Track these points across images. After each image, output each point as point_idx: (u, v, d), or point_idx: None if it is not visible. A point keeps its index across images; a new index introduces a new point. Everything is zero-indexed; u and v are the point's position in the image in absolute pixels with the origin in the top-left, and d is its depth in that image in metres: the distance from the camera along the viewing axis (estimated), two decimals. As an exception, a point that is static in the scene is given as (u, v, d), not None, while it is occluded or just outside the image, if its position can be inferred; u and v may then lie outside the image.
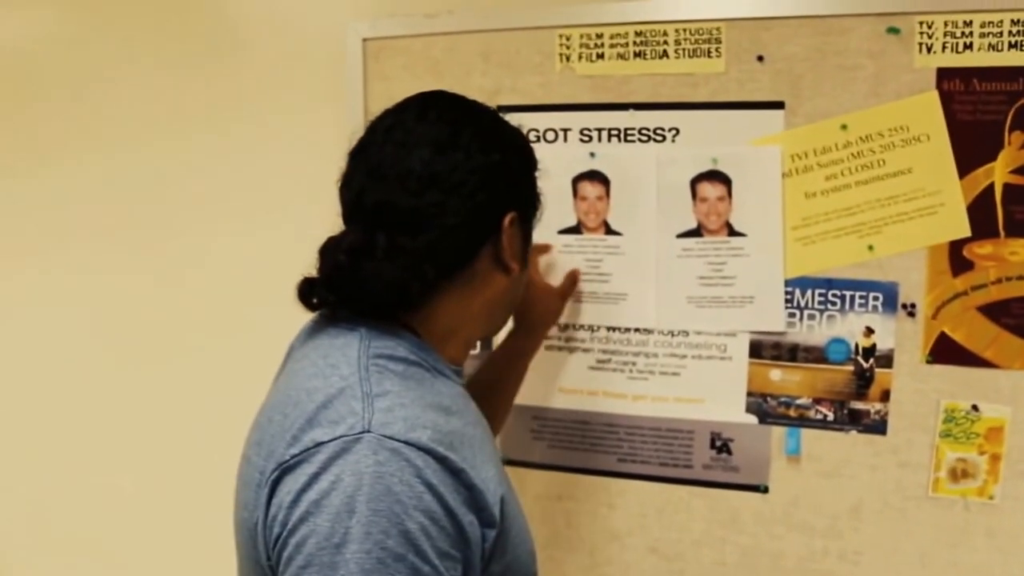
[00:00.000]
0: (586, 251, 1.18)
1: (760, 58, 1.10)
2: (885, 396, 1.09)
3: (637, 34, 1.14)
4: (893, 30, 1.05)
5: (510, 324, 1.06)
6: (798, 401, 1.13)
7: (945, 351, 1.07)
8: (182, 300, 1.49)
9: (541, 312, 1.13)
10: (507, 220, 0.83)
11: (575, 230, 1.19)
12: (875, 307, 1.09)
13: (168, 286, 1.49)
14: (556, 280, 1.17)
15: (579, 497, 1.23)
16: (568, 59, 1.17)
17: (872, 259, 1.08)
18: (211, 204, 1.45)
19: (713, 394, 1.15)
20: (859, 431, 1.11)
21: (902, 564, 1.10)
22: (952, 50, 1.04)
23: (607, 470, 1.20)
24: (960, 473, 1.07)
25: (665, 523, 1.19)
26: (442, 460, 0.71)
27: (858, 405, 1.10)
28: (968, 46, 1.03)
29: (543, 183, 0.90)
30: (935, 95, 1.05)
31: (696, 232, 1.14)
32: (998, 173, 1.04)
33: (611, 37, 1.15)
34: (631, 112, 1.15)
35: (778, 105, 1.10)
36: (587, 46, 1.16)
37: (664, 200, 1.15)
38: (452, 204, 0.78)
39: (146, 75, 1.46)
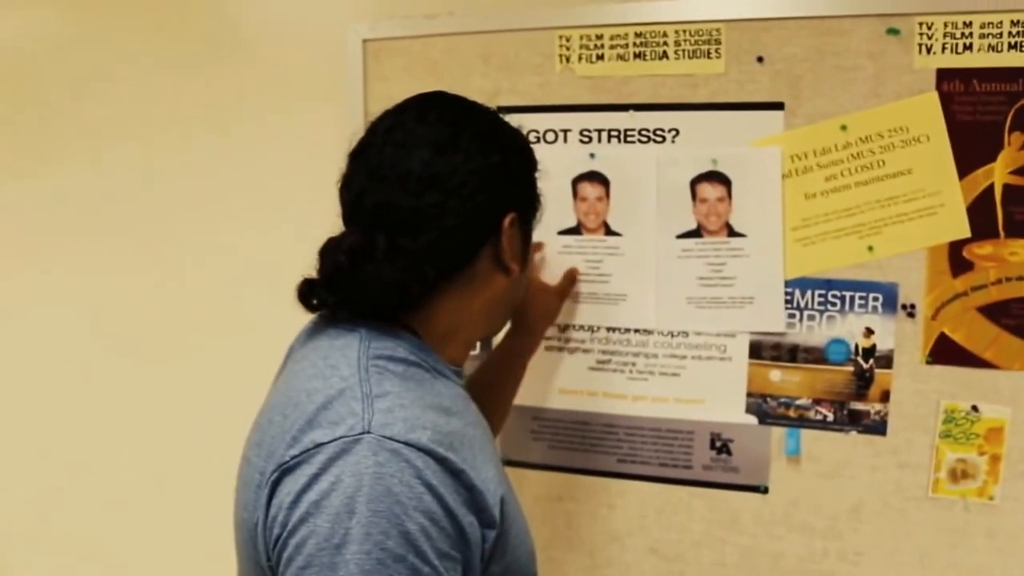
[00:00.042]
0: (586, 252, 1.18)
1: (760, 59, 1.10)
2: (885, 397, 1.09)
3: (637, 35, 1.14)
4: (893, 31, 1.05)
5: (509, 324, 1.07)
6: (798, 402, 1.13)
7: (945, 352, 1.07)
8: (182, 300, 1.49)
9: (539, 311, 1.13)
10: (507, 221, 0.83)
11: (575, 231, 1.19)
12: (875, 308, 1.09)
13: (168, 286, 1.50)
14: (550, 278, 1.17)
15: (579, 498, 1.23)
16: (568, 60, 1.17)
17: (872, 260, 1.09)
18: (211, 204, 1.45)
19: (713, 395, 1.15)
20: (859, 432, 1.11)
21: (902, 565, 1.10)
22: (952, 51, 1.04)
23: (607, 471, 1.20)
24: (960, 474, 1.07)
25: (665, 524, 1.19)
26: (442, 461, 0.71)
27: (858, 406, 1.11)
28: (968, 47, 1.03)
29: (543, 184, 0.90)
30: (935, 96, 1.05)
31: (696, 233, 1.14)
32: (998, 174, 1.04)
33: (611, 38, 1.15)
34: (631, 113, 1.15)
35: (778, 106, 1.10)
36: (587, 47, 1.16)
37: (664, 201, 1.15)
38: (452, 205, 0.78)
39: (146, 75, 1.46)
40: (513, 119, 0.89)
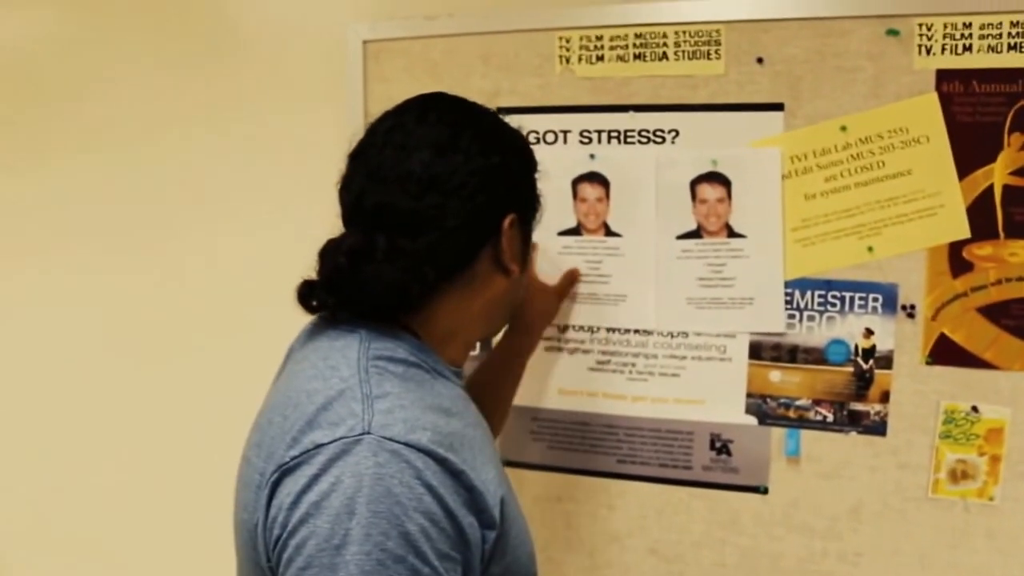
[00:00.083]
0: (586, 253, 1.18)
1: (760, 60, 1.10)
2: (885, 397, 1.09)
3: (637, 36, 1.14)
4: (892, 32, 1.05)
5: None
6: (798, 402, 1.13)
7: (945, 352, 1.07)
8: (182, 300, 1.49)
9: (537, 311, 1.13)
10: (507, 222, 0.83)
11: (575, 232, 1.19)
12: (875, 308, 1.09)
13: (168, 286, 1.50)
14: (548, 278, 1.17)
15: (579, 498, 1.23)
16: (568, 61, 1.17)
17: (872, 260, 1.09)
18: (211, 204, 1.45)
19: (713, 395, 1.15)
20: (859, 432, 1.11)
21: (902, 565, 1.10)
22: (951, 52, 1.04)
23: (607, 471, 1.20)
24: (960, 474, 1.08)
25: (665, 524, 1.19)
26: (442, 462, 0.71)
27: (858, 406, 1.11)
28: (967, 48, 1.03)
29: (543, 185, 0.90)
30: (934, 97, 1.05)
31: (696, 233, 1.14)
32: (997, 174, 1.04)
33: (611, 39, 1.15)
34: (631, 114, 1.15)
35: (777, 107, 1.10)
36: (587, 48, 1.16)
37: (664, 202, 1.15)
38: (452, 206, 0.78)
39: (146, 75, 1.46)
40: (513, 120, 0.89)
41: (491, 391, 1.09)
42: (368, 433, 0.70)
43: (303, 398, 0.75)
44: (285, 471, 0.71)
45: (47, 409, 1.59)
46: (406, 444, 0.69)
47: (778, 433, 1.14)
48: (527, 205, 0.88)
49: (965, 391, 1.07)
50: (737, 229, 1.13)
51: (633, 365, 1.18)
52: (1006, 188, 1.04)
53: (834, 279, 1.10)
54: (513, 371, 1.14)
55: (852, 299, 1.10)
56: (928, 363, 1.08)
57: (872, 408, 1.10)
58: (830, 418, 1.12)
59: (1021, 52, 1.02)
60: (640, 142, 1.15)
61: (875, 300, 1.09)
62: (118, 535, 1.56)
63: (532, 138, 1.16)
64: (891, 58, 1.05)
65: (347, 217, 0.82)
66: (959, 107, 1.04)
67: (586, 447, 1.21)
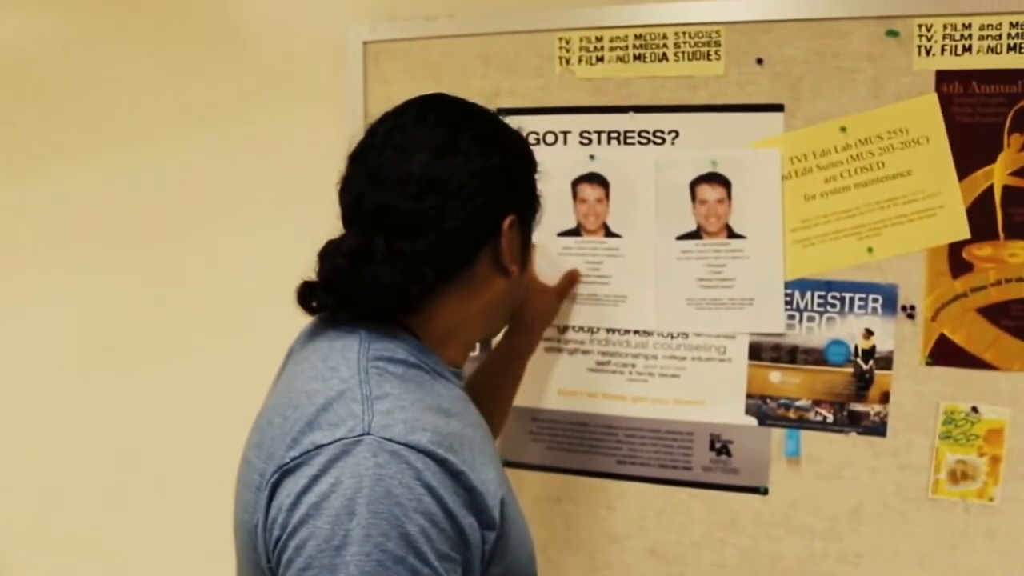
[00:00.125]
0: (586, 253, 1.18)
1: (759, 61, 1.10)
2: (885, 398, 1.09)
3: (636, 37, 1.14)
4: (892, 33, 1.05)
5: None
6: (798, 403, 1.13)
7: (945, 353, 1.07)
8: (182, 300, 1.49)
9: (537, 311, 1.13)
10: (506, 223, 0.83)
11: (575, 232, 1.19)
12: (874, 309, 1.09)
13: (168, 286, 1.50)
14: (548, 279, 1.17)
15: (578, 499, 1.23)
16: (568, 62, 1.17)
17: (871, 261, 1.09)
18: (211, 205, 1.45)
19: (713, 396, 1.15)
20: (859, 433, 1.11)
21: (902, 566, 1.10)
22: (951, 53, 1.04)
23: (606, 472, 1.20)
24: (960, 475, 1.08)
25: (664, 525, 1.19)
26: (442, 462, 0.71)
27: (858, 407, 1.11)
28: (967, 49, 1.03)
29: (543, 185, 0.90)
30: (934, 98, 1.05)
31: (695, 234, 1.14)
32: (997, 175, 1.04)
33: (611, 40, 1.15)
34: (631, 115, 1.15)
35: (777, 108, 1.10)
36: (587, 49, 1.16)
37: (663, 202, 1.15)
38: (451, 208, 0.79)
39: (146, 75, 1.46)
40: (513, 121, 0.89)
41: (491, 392, 1.09)
42: (368, 434, 0.70)
43: (303, 399, 0.75)
44: (285, 472, 0.71)
45: (47, 409, 1.59)
46: (406, 445, 0.70)
47: (778, 434, 1.14)
48: (527, 206, 0.88)
49: (965, 392, 1.07)
50: (737, 230, 1.13)
51: (633, 366, 1.18)
52: (1006, 189, 1.04)
53: (834, 280, 1.10)
54: (513, 372, 1.14)
55: (852, 300, 1.10)
56: (928, 364, 1.08)
57: (872, 409, 1.10)
58: (830, 419, 1.12)
59: (1021, 53, 1.02)
60: (640, 143, 1.15)
61: (875, 301, 1.09)
62: (118, 535, 1.56)
63: (532, 139, 1.16)
64: (891, 59, 1.06)
65: (347, 218, 0.82)
66: (959, 108, 1.04)
67: (586, 448, 1.21)
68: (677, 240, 1.15)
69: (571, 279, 1.18)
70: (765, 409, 1.14)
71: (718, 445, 1.16)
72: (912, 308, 1.08)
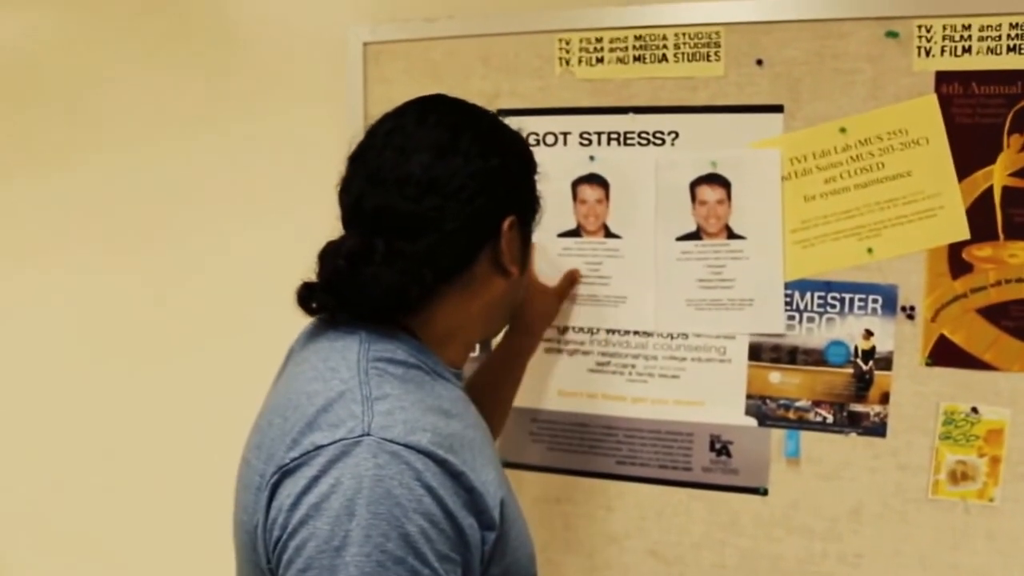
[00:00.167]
0: (585, 254, 1.18)
1: (759, 62, 1.10)
2: (885, 398, 1.10)
3: (636, 38, 1.14)
4: (892, 34, 1.05)
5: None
6: (797, 403, 1.13)
7: (944, 353, 1.07)
8: (182, 301, 1.49)
9: (537, 312, 1.13)
10: (506, 224, 0.83)
11: (575, 233, 1.19)
12: (874, 309, 1.09)
13: (168, 286, 1.50)
14: (548, 279, 1.17)
15: (578, 500, 1.23)
16: (567, 63, 1.17)
17: (871, 262, 1.09)
18: (211, 205, 1.45)
19: (712, 396, 1.15)
20: (859, 433, 1.11)
21: (902, 566, 1.10)
22: (951, 54, 1.04)
23: (606, 472, 1.21)
24: (960, 475, 1.08)
25: (664, 526, 1.19)
26: (442, 463, 0.71)
27: (858, 407, 1.11)
28: (967, 50, 1.03)
29: (542, 186, 0.90)
30: (934, 98, 1.05)
31: (695, 235, 1.14)
32: (997, 176, 1.04)
33: (610, 41, 1.15)
34: (631, 116, 1.16)
35: (777, 108, 1.10)
36: (586, 50, 1.16)
37: (663, 203, 1.15)
38: (451, 209, 0.79)
39: (146, 76, 1.46)
40: (513, 122, 0.89)
41: (491, 392, 1.09)
42: (368, 435, 0.70)
43: (303, 400, 0.75)
44: (285, 473, 0.71)
45: (47, 409, 1.59)
46: (406, 446, 0.70)
47: (778, 434, 1.14)
48: (527, 207, 0.88)
49: (965, 392, 1.07)
50: (737, 230, 1.13)
51: (633, 366, 1.18)
52: (1005, 189, 1.04)
53: (834, 280, 1.10)
54: (513, 372, 1.14)
55: (852, 300, 1.10)
56: (928, 364, 1.08)
57: (872, 409, 1.10)
58: (830, 419, 1.12)
59: (1020, 54, 1.02)
60: (640, 144, 1.15)
61: (875, 301, 1.09)
62: (118, 535, 1.57)
63: (532, 140, 1.16)
64: (890, 60, 1.06)
65: (346, 219, 0.83)
66: (958, 109, 1.04)
67: (585, 448, 1.21)
68: (677, 241, 1.15)
69: (571, 280, 1.18)
70: (765, 410, 1.14)
71: (718, 446, 1.16)
72: (912, 309, 1.08)
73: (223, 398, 1.36)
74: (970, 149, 1.04)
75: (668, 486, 1.18)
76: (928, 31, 1.04)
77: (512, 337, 1.12)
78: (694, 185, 1.14)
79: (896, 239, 1.07)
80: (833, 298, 1.10)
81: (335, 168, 0.84)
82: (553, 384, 1.22)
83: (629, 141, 1.16)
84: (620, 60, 1.15)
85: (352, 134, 0.85)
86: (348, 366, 0.76)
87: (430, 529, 0.68)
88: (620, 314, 1.18)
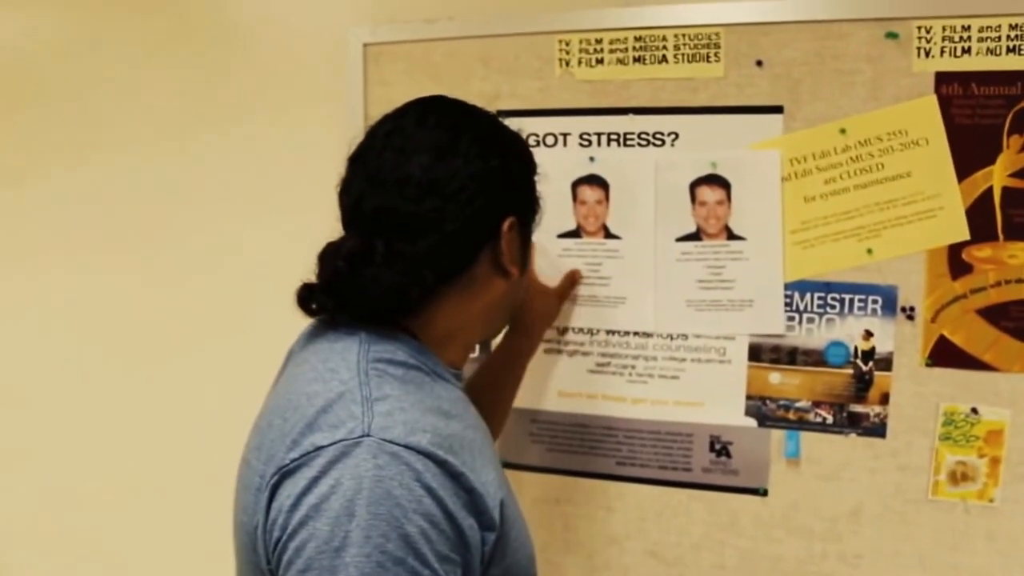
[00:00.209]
0: (585, 255, 1.18)
1: (759, 63, 1.10)
2: (884, 399, 1.10)
3: (636, 39, 1.14)
4: (891, 35, 1.05)
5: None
6: (797, 404, 1.13)
7: (944, 354, 1.07)
8: (182, 301, 1.49)
9: (537, 313, 1.13)
10: (506, 225, 0.83)
11: (574, 234, 1.19)
12: (874, 310, 1.09)
13: (168, 287, 1.50)
14: (548, 280, 1.17)
15: (578, 500, 1.23)
16: (567, 64, 1.17)
17: (871, 262, 1.09)
18: (211, 206, 1.46)
19: (712, 397, 1.15)
20: (858, 434, 1.11)
21: (902, 567, 1.10)
22: (950, 54, 1.04)
23: (606, 473, 1.21)
24: (960, 476, 1.08)
25: (664, 526, 1.19)
26: (442, 464, 0.71)
27: (857, 408, 1.11)
28: (966, 50, 1.03)
29: (542, 187, 0.90)
30: (934, 99, 1.05)
31: (695, 236, 1.14)
32: (997, 177, 1.04)
33: (610, 42, 1.15)
34: (630, 116, 1.16)
35: (777, 109, 1.10)
36: (586, 51, 1.16)
37: (663, 204, 1.15)
38: (451, 210, 0.79)
39: (146, 76, 1.46)
40: (513, 123, 0.89)
41: (491, 393, 1.09)
42: (368, 435, 0.70)
43: (303, 401, 0.75)
44: (285, 473, 0.71)
45: (47, 409, 1.59)
46: (406, 446, 0.70)
47: (778, 435, 1.14)
48: (526, 208, 0.88)
49: (965, 393, 1.07)
50: (736, 231, 1.13)
51: (633, 367, 1.18)
52: (1005, 190, 1.04)
53: (833, 281, 1.10)
54: (513, 373, 1.14)
55: (851, 301, 1.10)
56: (928, 365, 1.08)
57: (872, 410, 1.10)
58: (830, 420, 1.12)
59: (1020, 55, 1.02)
60: (640, 145, 1.16)
61: (874, 302, 1.09)
62: (118, 535, 1.57)
63: (532, 141, 1.16)
64: (890, 61, 1.06)
65: (346, 220, 0.83)
66: (958, 109, 1.04)
67: (585, 449, 1.21)
68: (677, 242, 1.15)
69: (571, 280, 1.18)
70: (765, 410, 1.14)
71: (718, 446, 1.16)
72: (912, 309, 1.08)
73: (223, 398, 1.36)
74: (970, 150, 1.04)
75: (668, 487, 1.18)
76: (928, 32, 1.04)
77: (512, 338, 1.12)
78: (694, 186, 1.14)
79: (896, 240, 1.07)
80: (833, 299, 1.11)
81: (335, 169, 0.84)
82: (553, 385, 1.22)
83: (629, 142, 1.16)
84: (620, 61, 1.15)
85: (352, 135, 0.85)
86: (348, 367, 0.76)
87: (430, 530, 0.68)
88: (620, 315, 1.18)
